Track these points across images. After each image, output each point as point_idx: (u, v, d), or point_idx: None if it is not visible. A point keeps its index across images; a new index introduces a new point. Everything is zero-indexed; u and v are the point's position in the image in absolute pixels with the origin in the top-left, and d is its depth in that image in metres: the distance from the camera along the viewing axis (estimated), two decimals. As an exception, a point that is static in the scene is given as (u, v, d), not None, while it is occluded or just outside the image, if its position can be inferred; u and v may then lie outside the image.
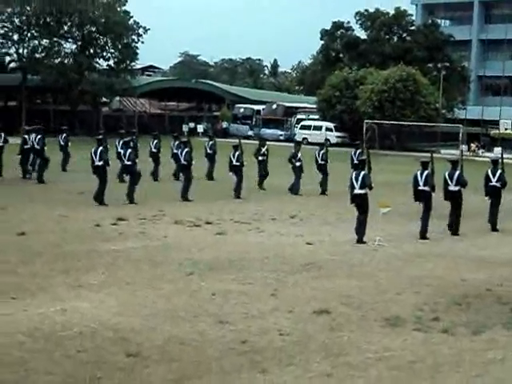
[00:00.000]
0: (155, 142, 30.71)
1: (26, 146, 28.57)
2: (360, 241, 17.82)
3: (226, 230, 18.85)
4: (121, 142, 27.05)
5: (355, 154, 28.85)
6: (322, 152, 28.36)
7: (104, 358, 9.12)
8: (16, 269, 13.62)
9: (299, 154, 28.07)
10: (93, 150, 23.39)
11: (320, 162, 28.28)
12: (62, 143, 32.29)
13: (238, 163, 26.17)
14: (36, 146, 28.14)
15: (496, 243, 18.86)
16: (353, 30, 74.96)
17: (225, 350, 9.62)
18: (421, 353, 9.79)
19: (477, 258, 16.50)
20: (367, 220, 18.11)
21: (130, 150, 24.31)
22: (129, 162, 24.19)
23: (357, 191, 18.10)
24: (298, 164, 27.77)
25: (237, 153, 26.27)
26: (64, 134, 32.74)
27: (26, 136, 28.75)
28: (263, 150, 28.77)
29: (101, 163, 23.09)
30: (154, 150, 30.54)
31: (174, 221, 20.10)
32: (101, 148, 23.34)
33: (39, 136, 28.17)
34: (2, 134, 30.09)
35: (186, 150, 25.42)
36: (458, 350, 10.00)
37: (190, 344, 9.80)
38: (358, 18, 73.64)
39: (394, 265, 15.43)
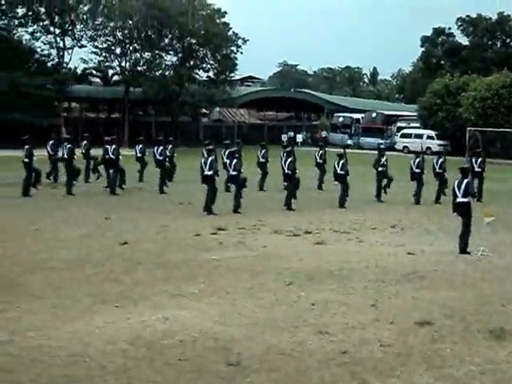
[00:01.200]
0: (263, 151, 31.01)
1: (106, 156, 28.98)
2: (463, 251, 17.41)
3: (325, 240, 18.74)
4: (226, 152, 27.42)
5: (476, 162, 28.42)
6: (418, 160, 28.00)
7: (205, 367, 9.18)
8: (119, 277, 13.88)
9: (383, 159, 27.82)
10: (202, 160, 23.78)
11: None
12: (168, 154, 32.34)
13: (342, 172, 26.06)
14: (111, 156, 28.53)
15: None
16: (454, 37, 73.78)
17: (324, 360, 9.54)
18: (528, 367, 9.49)
19: None
20: (470, 229, 17.69)
21: (235, 160, 24.56)
22: (234, 172, 24.44)
23: (459, 200, 17.70)
24: (380, 169, 27.59)
25: (341, 161, 26.15)
26: (170, 145, 32.84)
27: (108, 146, 29.15)
28: (383, 160, 28.26)
29: (210, 173, 23.38)
30: (261, 159, 30.83)
31: (273, 230, 20.12)
32: (211, 158, 23.63)
33: (114, 146, 28.58)
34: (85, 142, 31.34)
35: (290, 159, 25.54)
36: None
37: (289, 354, 9.75)
38: (459, 23, 72.40)
39: (498, 275, 15.01)
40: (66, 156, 28.45)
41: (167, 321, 11.08)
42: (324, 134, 72.46)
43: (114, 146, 28.54)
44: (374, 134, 69.01)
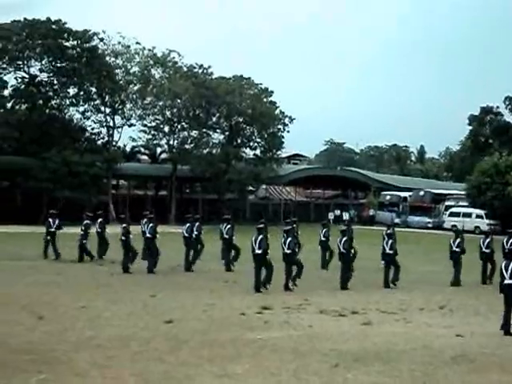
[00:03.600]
0: (324, 230, 31.12)
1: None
2: (507, 332, 17.05)
3: (371, 321, 18.46)
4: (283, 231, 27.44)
5: (507, 242, 27.82)
6: (487, 240, 27.85)
7: None
8: (163, 356, 13.76)
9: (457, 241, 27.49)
10: (253, 238, 23.81)
11: (485, 250, 27.73)
12: (223, 231, 30.80)
13: (391, 251, 25.85)
14: (147, 234, 28.47)
15: None
16: (502, 115, 73.68)
17: None
18: None
19: None
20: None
21: (290, 239, 24.47)
22: (289, 251, 24.31)
23: (507, 281, 17.41)
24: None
25: (390, 241, 25.95)
26: (228, 225, 30.73)
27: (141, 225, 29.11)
28: (458, 241, 27.56)
29: (260, 251, 23.40)
30: (322, 238, 30.94)
31: (319, 310, 19.90)
32: (261, 236, 23.65)
33: (151, 224, 28.47)
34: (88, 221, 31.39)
35: (345, 238, 25.54)
36: None
37: None
38: (507, 102, 72.32)
39: (550, 359, 14.60)
40: (122, 237, 28.35)
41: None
42: (372, 212, 72.22)
43: (151, 224, 28.40)
44: (421, 212, 68.63)
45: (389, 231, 26.69)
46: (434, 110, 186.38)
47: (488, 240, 27.86)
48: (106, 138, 66.04)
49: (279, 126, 68.46)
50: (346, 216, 67.82)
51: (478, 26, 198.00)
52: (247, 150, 69.29)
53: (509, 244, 26.65)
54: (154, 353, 14.09)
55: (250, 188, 70.67)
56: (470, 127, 74.45)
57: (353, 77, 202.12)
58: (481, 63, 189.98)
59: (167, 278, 26.55)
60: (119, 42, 64.63)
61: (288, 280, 23.99)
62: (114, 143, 66.44)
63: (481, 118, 73.58)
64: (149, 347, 14.55)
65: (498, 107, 73.12)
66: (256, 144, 68.52)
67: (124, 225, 28.26)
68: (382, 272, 26.24)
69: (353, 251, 26.68)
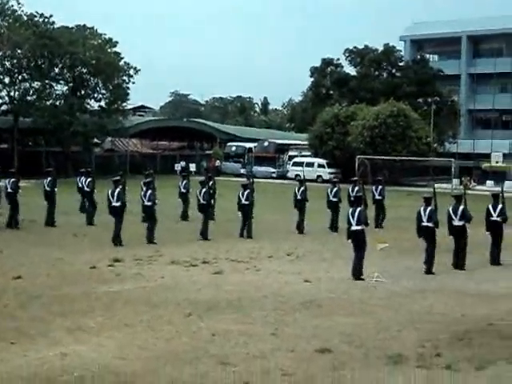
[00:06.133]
0: (184, 182, 30.86)
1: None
2: (358, 277, 17.77)
3: (223, 270, 18.77)
4: (142, 183, 27.21)
5: (352, 190, 28.73)
6: (335, 189, 28.51)
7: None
8: (14, 313, 13.51)
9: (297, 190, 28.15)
10: (110, 192, 23.61)
11: (332, 199, 28.40)
12: (80, 185, 30.68)
13: (247, 202, 26.14)
14: (9, 189, 27.43)
15: (495, 277, 18.79)
16: (342, 67, 75.32)
17: (227, 391, 9.53)
18: (425, 390, 9.72)
19: (477, 293, 16.44)
20: (364, 256, 18.10)
21: (150, 191, 24.42)
22: (149, 203, 24.34)
23: (353, 228, 18.13)
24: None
25: (246, 191, 26.17)
26: (89, 178, 30.13)
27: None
28: (301, 189, 28.15)
29: (118, 204, 23.25)
30: (183, 190, 30.72)
31: (170, 261, 20.02)
32: (118, 189, 23.52)
33: (13, 179, 27.58)
34: None
35: (204, 189, 25.63)
36: (462, 386, 9.93)
37: (192, 386, 9.70)
38: (347, 54, 74.05)
39: (394, 301, 15.36)
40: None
41: (65, 356, 10.82)
42: (217, 163, 72.67)
43: (12, 180, 27.50)
44: (266, 162, 69.72)
45: (246, 183, 26.87)
46: (277, 62, 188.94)
47: (335, 189, 28.60)
48: None
49: (124, 78, 67.37)
50: (192, 167, 67.85)
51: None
52: (92, 102, 67.81)
53: (354, 192, 27.54)
54: (3, 309, 13.80)
55: (96, 140, 69.40)
56: (312, 79, 75.71)
57: (196, 28, 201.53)
58: (321, 18, 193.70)
59: (13, 233, 25.85)
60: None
61: (151, 233, 23.82)
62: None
63: (322, 69, 74.84)
64: (-2, 304, 14.24)
65: (338, 59, 74.69)
66: (101, 95, 67.11)
67: None
68: (235, 222, 26.46)
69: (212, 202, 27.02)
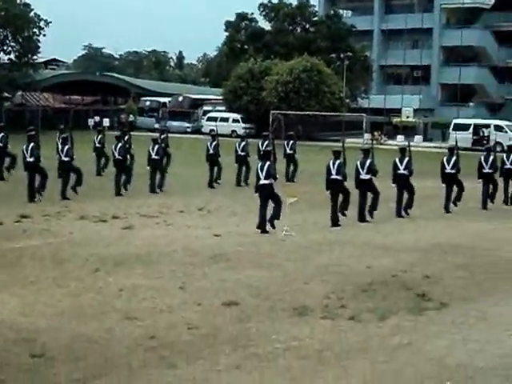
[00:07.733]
0: (99, 136, 30.25)
1: None
2: (263, 230, 17.98)
3: (132, 225, 18.65)
4: (60, 138, 26.58)
5: (262, 144, 28.74)
6: (243, 144, 28.48)
7: (7, 360, 8.89)
8: None
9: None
10: (24, 147, 23.09)
11: (240, 153, 28.34)
12: None
13: (157, 157, 25.83)
14: None
15: (400, 230, 19.22)
16: (257, 22, 75.00)
17: (132, 346, 9.50)
18: (328, 340, 9.89)
19: (382, 245, 16.76)
20: (281, 209, 18.29)
21: (67, 146, 23.92)
22: (67, 158, 23.84)
23: (262, 181, 18.23)
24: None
25: (156, 146, 25.84)
26: (1, 133, 29.06)
27: None
28: (214, 144, 27.98)
29: (32, 159, 22.76)
30: (98, 144, 30.12)
31: (79, 216, 19.78)
32: (32, 144, 23.01)
33: None
34: None
35: (120, 144, 25.33)
36: (364, 336, 10.14)
37: (96, 342, 9.65)
38: (261, 9, 73.73)
39: (302, 254, 15.54)
40: None
41: (-33, 314, 10.63)
42: (131, 118, 71.82)
43: None
44: (181, 117, 69.24)
45: (156, 137, 26.66)
46: (191, 16, 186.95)
47: (244, 143, 28.65)
48: None
49: (34, 30, 65.65)
50: (105, 122, 66.80)
51: None
52: (1, 55, 66.02)
53: (264, 146, 27.57)
54: None
55: (6, 94, 67.66)
56: (227, 33, 75.24)
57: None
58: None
59: None
60: None
61: (65, 188, 23.41)
62: None
63: (236, 24, 74.42)
64: None
65: (252, 14, 74.32)
66: (10, 48, 65.34)
67: None
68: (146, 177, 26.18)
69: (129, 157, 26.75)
